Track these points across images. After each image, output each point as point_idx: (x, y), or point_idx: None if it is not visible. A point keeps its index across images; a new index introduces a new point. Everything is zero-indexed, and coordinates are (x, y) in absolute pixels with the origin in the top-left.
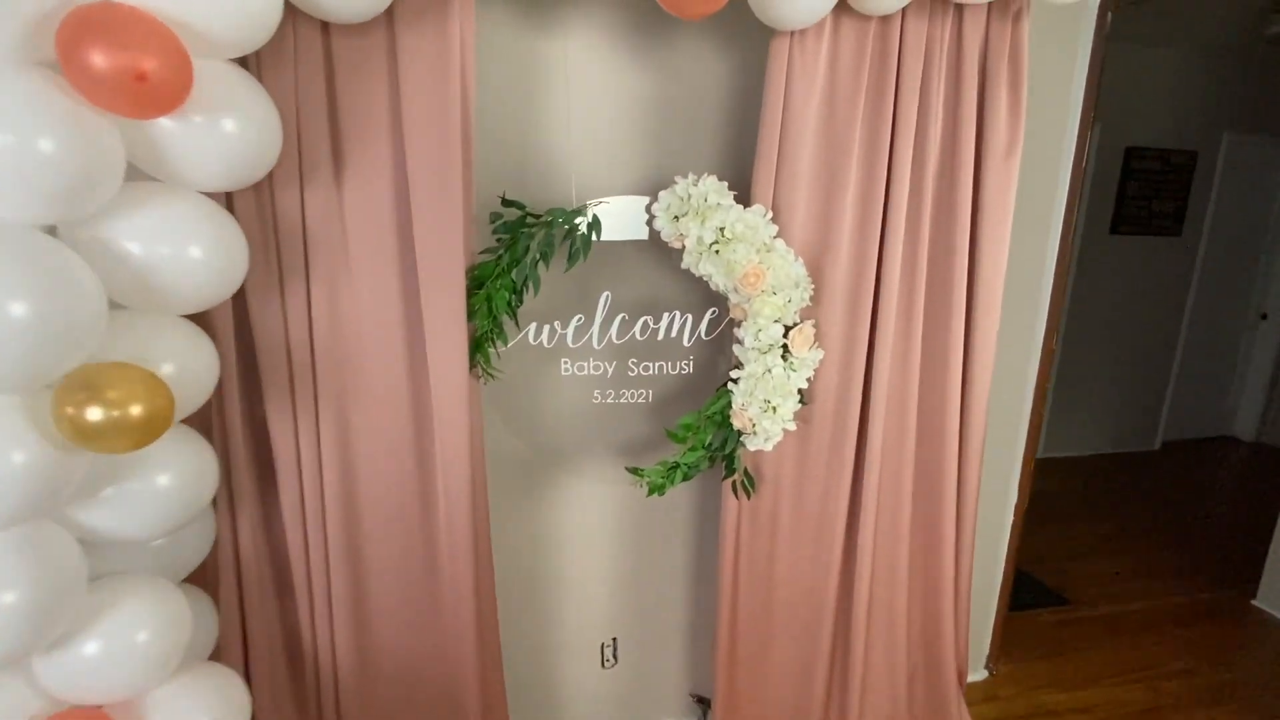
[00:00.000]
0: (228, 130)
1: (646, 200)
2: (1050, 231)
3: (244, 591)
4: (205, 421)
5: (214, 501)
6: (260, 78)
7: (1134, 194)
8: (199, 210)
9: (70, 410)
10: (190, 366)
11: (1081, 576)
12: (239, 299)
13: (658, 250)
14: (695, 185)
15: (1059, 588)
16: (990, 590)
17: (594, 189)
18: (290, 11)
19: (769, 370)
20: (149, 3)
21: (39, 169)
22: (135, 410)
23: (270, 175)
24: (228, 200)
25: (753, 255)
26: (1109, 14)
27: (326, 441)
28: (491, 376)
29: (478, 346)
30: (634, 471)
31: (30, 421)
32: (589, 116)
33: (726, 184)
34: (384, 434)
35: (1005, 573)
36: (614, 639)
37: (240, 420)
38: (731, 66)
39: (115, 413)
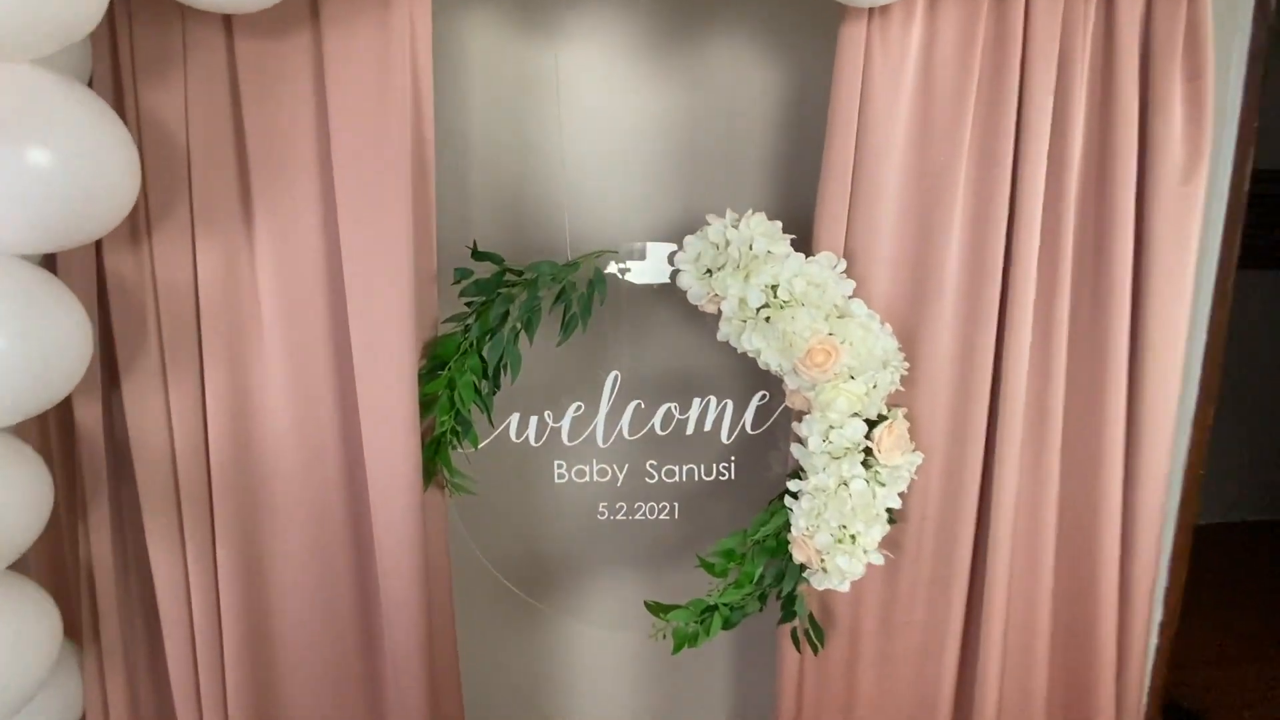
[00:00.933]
0: (35, 162)
1: (669, 250)
2: (1206, 272)
3: None
4: (57, 559)
5: (79, 660)
6: (135, 93)
7: (1257, 223)
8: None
9: None
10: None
11: (1228, 687)
12: (112, 394)
13: (687, 310)
14: (736, 227)
15: (1200, 711)
16: None
17: (596, 238)
18: (176, 6)
19: (845, 483)
20: None
21: None
22: None
23: (147, 226)
24: (98, 261)
25: (820, 324)
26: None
27: (228, 580)
28: (459, 490)
29: (437, 449)
30: (656, 611)
31: None
32: (589, 143)
33: (780, 224)
34: (308, 570)
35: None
36: None
37: (112, 554)
38: (780, 72)
39: None
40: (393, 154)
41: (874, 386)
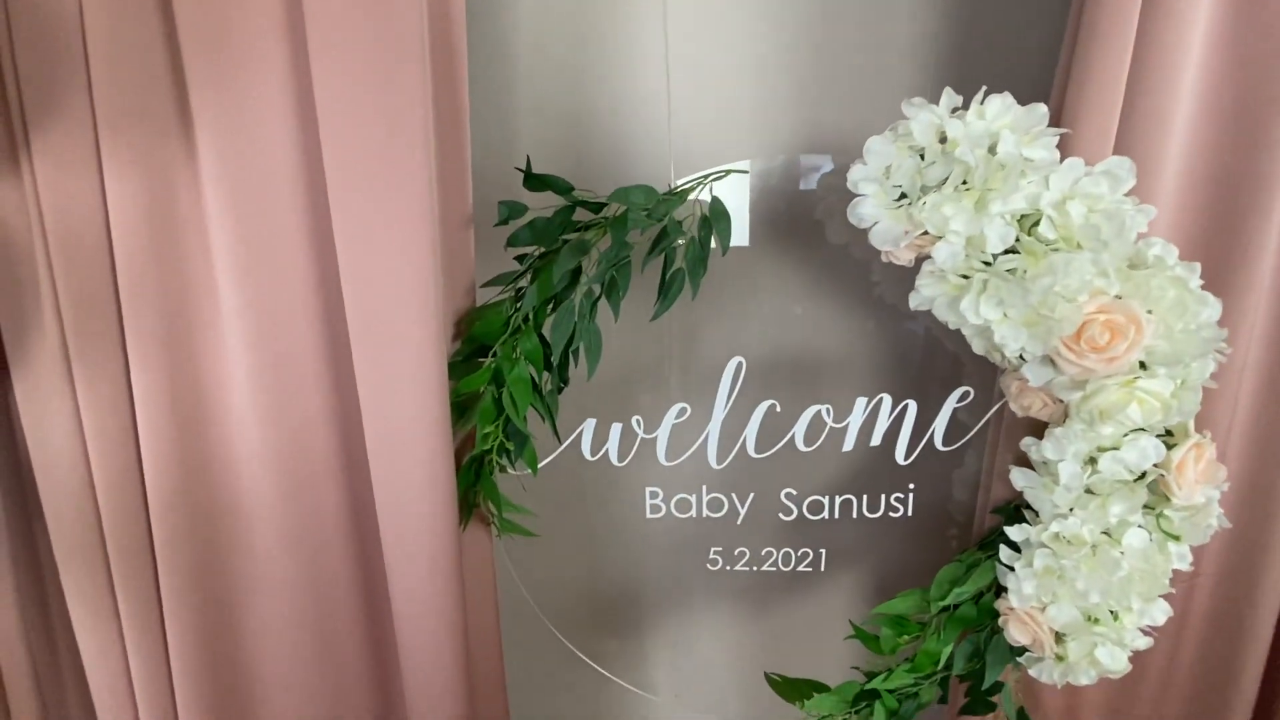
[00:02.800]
0: None
1: (822, 164)
2: None
3: None
4: None
5: None
6: None
7: None
8: None
9: None
10: None
11: None
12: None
13: (844, 271)
14: (964, 115)
15: None
16: None
17: (704, 162)
18: None
19: (1113, 533)
20: None
21: None
22: None
23: (26, 141)
24: None
25: (1105, 279)
26: None
27: (186, 672)
28: (510, 531)
29: (478, 474)
30: (789, 694)
31: None
32: (700, 38)
33: (1045, 110)
34: (300, 654)
35: None
36: None
37: (21, 626)
38: None
39: None
40: (401, 31)
41: (1182, 384)
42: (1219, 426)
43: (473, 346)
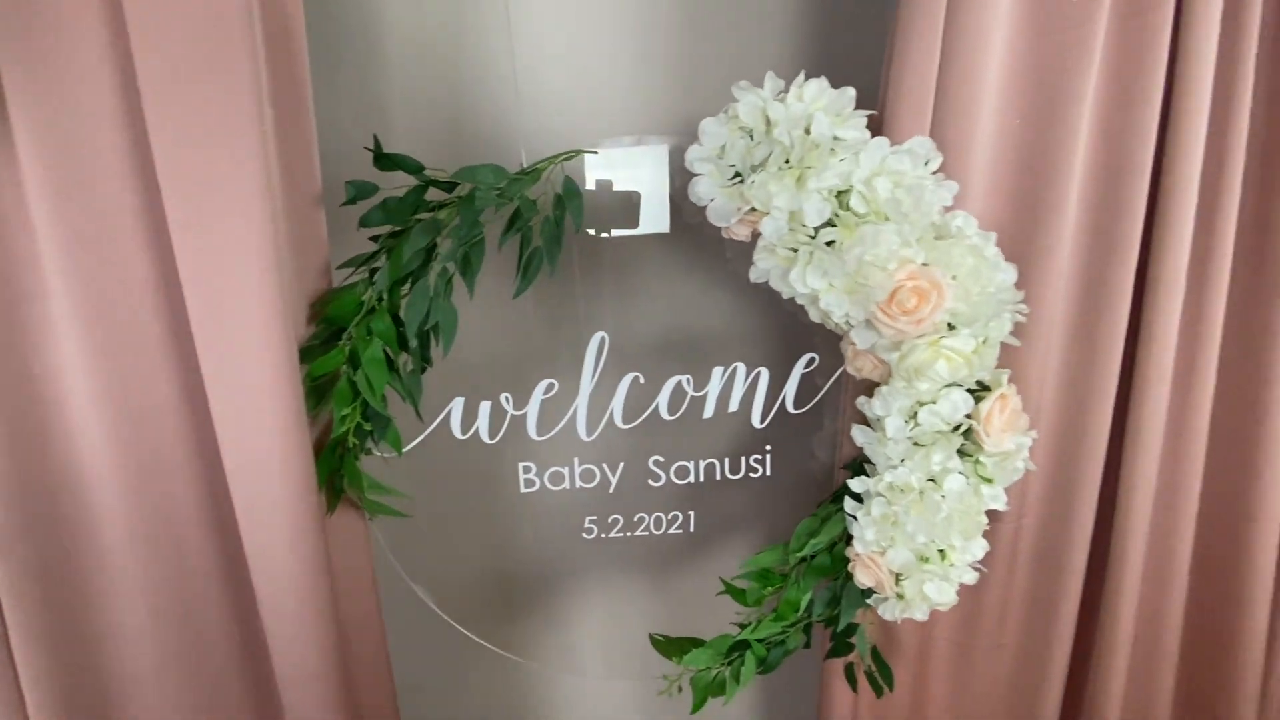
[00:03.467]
0: None
1: (667, 147)
2: None
3: None
4: None
5: None
6: None
7: None
8: None
9: None
10: None
11: None
12: None
13: (695, 249)
14: (785, 98)
15: None
16: None
17: (559, 141)
18: None
19: (936, 480)
20: None
21: None
22: None
23: None
24: None
25: (911, 248)
26: None
27: (35, 682)
28: (380, 512)
29: (341, 458)
30: (667, 651)
31: None
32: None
33: (852, 93)
34: (164, 660)
35: None
36: None
37: None
38: None
39: None
40: (225, 8)
41: (984, 341)
42: (1031, 381)
43: (330, 329)
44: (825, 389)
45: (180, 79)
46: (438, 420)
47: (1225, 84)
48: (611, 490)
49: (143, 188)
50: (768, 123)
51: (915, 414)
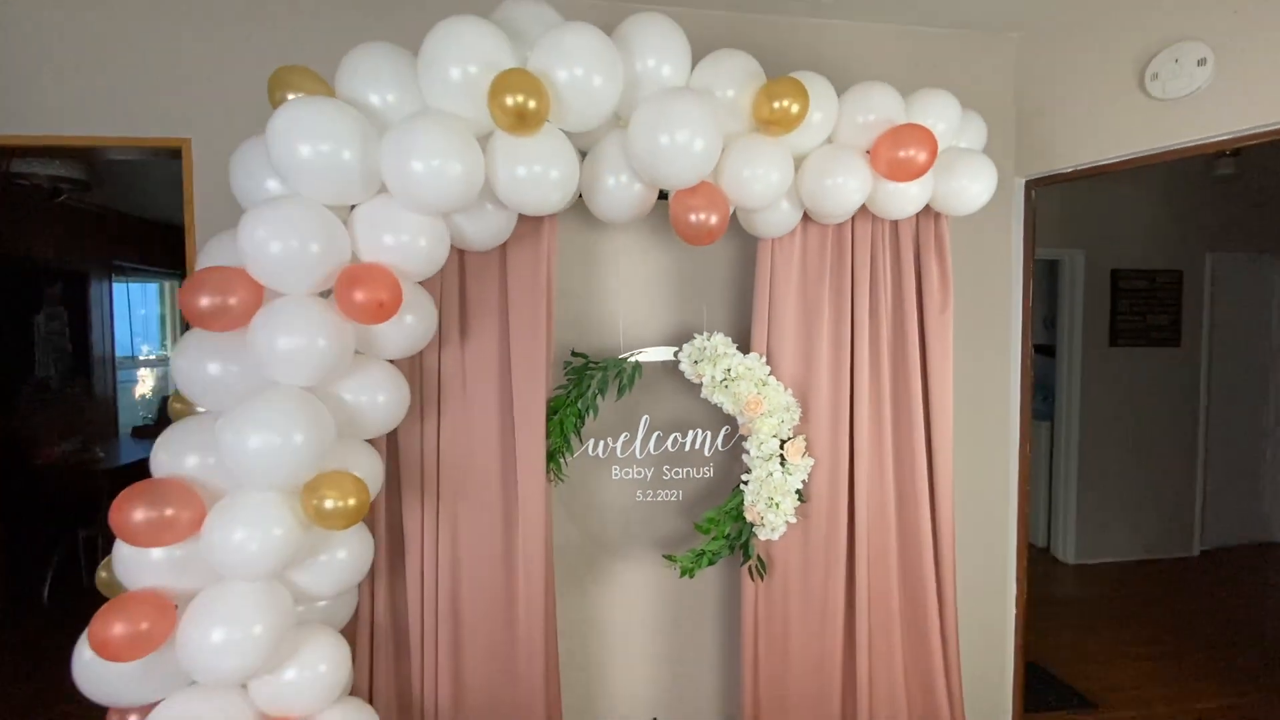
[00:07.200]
0: (409, 322)
1: (674, 349)
2: (1011, 354)
3: (374, 645)
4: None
5: None
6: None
7: (1125, 310)
8: (384, 371)
9: (314, 501)
10: (371, 473)
11: (1109, 681)
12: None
13: (684, 383)
14: (709, 340)
15: (1086, 691)
16: (1003, 686)
17: (636, 338)
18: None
19: (770, 474)
20: (385, 261)
21: (317, 358)
22: (351, 501)
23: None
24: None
25: (753, 389)
26: (1032, 191)
27: (443, 530)
28: (561, 480)
29: (551, 458)
30: (669, 558)
31: (285, 508)
32: (632, 287)
33: (731, 338)
34: (483, 525)
35: (1016, 666)
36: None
37: (384, 513)
38: (733, 251)
39: (341, 503)
40: (537, 307)
41: (782, 421)
42: (813, 436)
43: (551, 409)
44: (734, 439)
45: (523, 336)
46: (583, 447)
47: (875, 328)
48: (648, 480)
49: (501, 363)
50: (703, 347)
51: (761, 445)
